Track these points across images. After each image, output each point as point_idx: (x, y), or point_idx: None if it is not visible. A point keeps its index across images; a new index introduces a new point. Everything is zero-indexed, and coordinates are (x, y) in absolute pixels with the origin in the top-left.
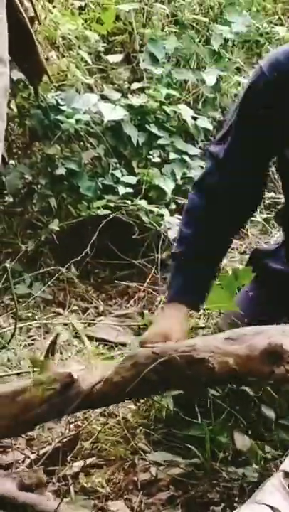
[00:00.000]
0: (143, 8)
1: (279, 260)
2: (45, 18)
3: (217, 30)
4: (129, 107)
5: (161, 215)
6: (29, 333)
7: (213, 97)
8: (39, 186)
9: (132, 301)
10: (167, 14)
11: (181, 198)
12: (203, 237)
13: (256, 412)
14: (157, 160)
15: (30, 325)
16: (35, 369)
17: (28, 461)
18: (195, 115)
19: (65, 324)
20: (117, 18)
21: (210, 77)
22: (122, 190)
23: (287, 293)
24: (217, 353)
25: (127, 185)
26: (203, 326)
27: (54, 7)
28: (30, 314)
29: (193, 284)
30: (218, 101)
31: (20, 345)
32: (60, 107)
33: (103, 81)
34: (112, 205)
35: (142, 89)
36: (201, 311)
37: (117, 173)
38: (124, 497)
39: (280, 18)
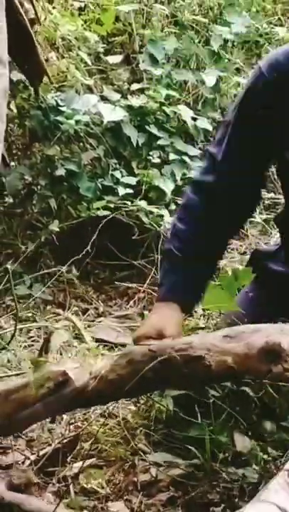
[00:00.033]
0: (143, 9)
1: (279, 262)
2: (45, 19)
3: (217, 31)
4: (129, 108)
5: (161, 216)
6: (29, 334)
7: (212, 97)
8: (39, 187)
9: (131, 302)
10: (167, 15)
11: (181, 199)
12: (203, 236)
13: (256, 413)
14: (157, 161)
15: (31, 326)
16: (31, 369)
17: (27, 462)
18: (195, 116)
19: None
20: (117, 19)
21: (210, 77)
22: (121, 191)
23: (287, 294)
24: (214, 351)
25: (126, 185)
26: (203, 326)
27: (54, 8)
28: (30, 315)
29: (189, 283)
30: (218, 102)
31: (21, 346)
32: (60, 108)
33: (103, 82)
34: (111, 205)
35: (141, 90)
36: (201, 312)
37: (117, 174)
38: (124, 498)
39: (279, 18)
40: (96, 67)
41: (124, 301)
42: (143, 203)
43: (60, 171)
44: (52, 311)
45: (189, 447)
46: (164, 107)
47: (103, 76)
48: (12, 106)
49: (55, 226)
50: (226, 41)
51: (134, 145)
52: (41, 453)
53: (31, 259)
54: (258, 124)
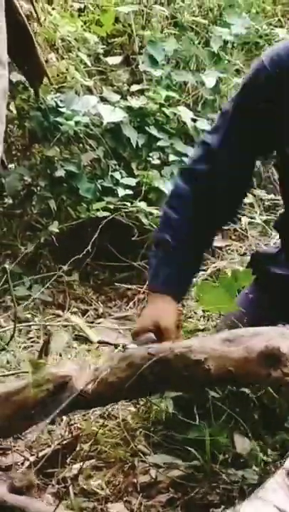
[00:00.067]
0: (142, 10)
1: (280, 264)
2: (45, 20)
3: (216, 32)
4: (129, 109)
5: None
6: (29, 335)
7: (212, 99)
8: (38, 188)
9: (131, 303)
10: (166, 16)
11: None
12: (195, 226)
13: (256, 414)
14: (157, 162)
15: (29, 326)
16: (30, 370)
17: (27, 463)
18: (194, 117)
19: (65, 326)
20: (117, 20)
21: (209, 79)
22: (121, 192)
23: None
24: (213, 354)
25: (126, 187)
26: (203, 328)
27: (53, 9)
28: (29, 316)
29: (182, 275)
30: (218, 103)
31: (20, 347)
32: (60, 109)
33: (102, 83)
34: (111, 207)
35: (141, 91)
36: (201, 313)
37: (117, 175)
38: (124, 499)
39: (279, 19)
40: (96, 69)
41: (124, 303)
42: (143, 204)
43: (60, 172)
44: (51, 312)
45: (189, 449)
46: (163, 108)
47: (103, 77)
48: (12, 107)
49: (54, 227)
50: (225, 42)
51: (134, 146)
52: (40, 454)
53: (31, 260)
54: (259, 117)
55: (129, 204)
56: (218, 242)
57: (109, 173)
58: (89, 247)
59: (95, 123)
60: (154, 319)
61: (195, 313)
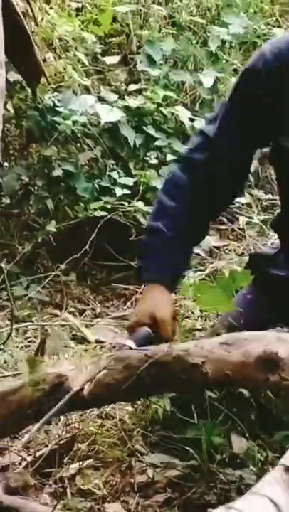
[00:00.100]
0: (140, 10)
1: (279, 266)
2: (42, 19)
3: (214, 32)
4: (127, 109)
5: None
6: (26, 335)
7: (210, 98)
8: (36, 188)
9: (129, 303)
10: (164, 16)
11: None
12: (192, 215)
13: (253, 414)
14: (154, 161)
15: (27, 326)
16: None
17: (24, 463)
18: (192, 117)
19: (62, 326)
20: (114, 19)
21: (207, 78)
22: (119, 191)
23: (288, 298)
24: (211, 358)
25: (124, 186)
26: (200, 328)
27: (51, 8)
28: (27, 316)
29: (177, 265)
30: (216, 102)
31: (17, 346)
32: (57, 109)
33: (100, 82)
34: (109, 206)
35: (139, 91)
36: (198, 313)
37: (114, 175)
38: (121, 499)
39: (277, 19)
40: (93, 68)
41: (121, 302)
42: (140, 204)
43: (57, 172)
44: (49, 312)
45: (186, 448)
46: (161, 108)
47: (100, 77)
48: (9, 106)
49: (52, 227)
50: (223, 42)
51: (132, 146)
52: (38, 454)
53: (28, 259)
54: (259, 106)
55: (126, 204)
56: (215, 242)
57: (107, 173)
58: (87, 247)
59: (93, 122)
60: (150, 311)
61: (192, 313)
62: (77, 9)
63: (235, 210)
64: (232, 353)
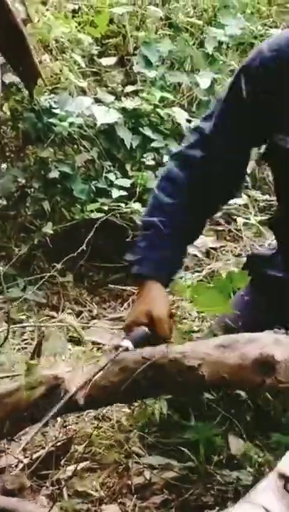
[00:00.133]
0: (137, 11)
1: (276, 267)
2: (39, 21)
3: (211, 33)
4: (123, 110)
5: None
6: (23, 337)
7: (207, 99)
8: (32, 190)
9: (126, 304)
10: (161, 17)
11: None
12: (188, 211)
13: (251, 415)
14: (151, 163)
15: (24, 328)
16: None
17: (21, 465)
18: (189, 118)
19: (59, 327)
20: (111, 21)
21: (204, 79)
22: (115, 193)
23: (286, 299)
24: (208, 360)
25: (120, 188)
26: (198, 329)
27: (47, 10)
28: (24, 317)
29: (172, 262)
30: (213, 102)
31: (14, 348)
32: (54, 110)
33: (97, 84)
34: (105, 208)
35: (135, 92)
36: (195, 314)
37: (111, 176)
38: (118, 501)
39: (274, 20)
40: (90, 70)
41: (118, 304)
42: (137, 205)
43: (54, 174)
44: (46, 314)
45: (183, 450)
46: (158, 109)
47: (97, 78)
48: (5, 108)
49: (48, 228)
50: (220, 43)
51: (128, 147)
52: (34, 456)
53: (25, 261)
54: (256, 105)
55: (123, 205)
56: (213, 243)
57: (104, 175)
58: (83, 246)
59: (89, 124)
60: (146, 310)
61: (189, 314)
62: (74, 11)
63: (232, 211)
64: (229, 356)
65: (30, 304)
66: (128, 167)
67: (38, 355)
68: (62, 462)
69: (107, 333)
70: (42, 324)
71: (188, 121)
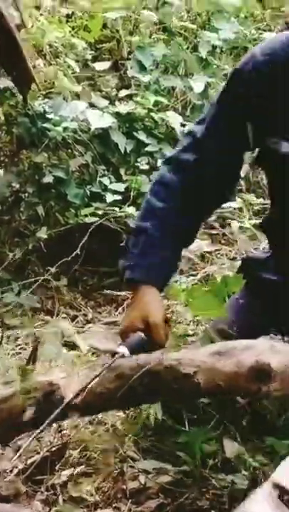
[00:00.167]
0: (130, 16)
1: (271, 269)
2: (32, 26)
3: (205, 37)
4: (117, 115)
5: None
6: (17, 342)
7: (201, 103)
8: (26, 194)
9: (120, 309)
10: (155, 22)
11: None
12: (181, 215)
13: (246, 419)
14: (145, 167)
15: (18, 333)
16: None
17: (16, 470)
18: (183, 122)
19: (54, 332)
20: (105, 25)
21: (198, 83)
22: (110, 197)
23: (280, 302)
24: (203, 368)
25: (115, 192)
26: (192, 333)
27: (41, 15)
28: (18, 323)
29: (165, 266)
30: (207, 106)
31: (8, 354)
32: (48, 115)
33: (91, 88)
34: (100, 212)
35: (129, 97)
36: (190, 318)
37: (105, 181)
38: (113, 505)
39: (268, 24)
40: (84, 74)
41: (113, 308)
42: (131, 210)
43: (48, 178)
44: (40, 319)
45: (178, 454)
46: (152, 114)
47: (91, 83)
48: None
49: (42, 233)
50: (214, 47)
51: (122, 152)
52: (29, 461)
53: (19, 266)
54: (248, 109)
55: (117, 209)
56: (207, 246)
57: (98, 179)
58: (78, 251)
59: (83, 129)
60: (141, 315)
61: (184, 318)
62: (68, 16)
63: (226, 214)
64: (224, 363)
65: (24, 309)
66: (122, 171)
67: (34, 361)
68: (57, 467)
69: (102, 338)
70: (37, 330)
71: (183, 125)
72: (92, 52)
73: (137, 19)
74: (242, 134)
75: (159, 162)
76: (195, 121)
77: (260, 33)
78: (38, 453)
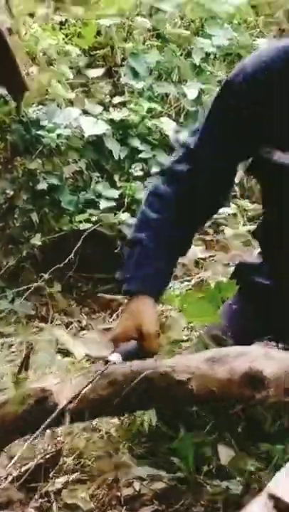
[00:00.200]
0: (124, 23)
1: (264, 275)
2: (26, 33)
3: (198, 44)
4: (111, 121)
5: None
6: (11, 349)
7: (194, 110)
8: (20, 201)
9: (115, 315)
10: (148, 28)
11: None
12: (175, 228)
13: (241, 425)
14: (139, 173)
15: (12, 340)
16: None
17: (10, 478)
18: (177, 128)
19: (48, 339)
20: (98, 32)
21: (191, 90)
22: (103, 204)
23: (273, 307)
24: (197, 374)
25: (109, 199)
26: (186, 339)
27: (35, 22)
28: (12, 330)
29: (160, 276)
30: (200, 113)
31: (2, 361)
32: (42, 122)
33: (84, 95)
34: (94, 219)
35: (123, 103)
36: (185, 324)
37: (99, 187)
38: None
39: (261, 31)
40: (78, 81)
41: (108, 314)
42: (125, 216)
43: (42, 185)
44: (35, 325)
45: (173, 460)
46: (146, 120)
47: (85, 89)
48: None
49: (37, 240)
50: (207, 54)
51: (116, 158)
52: (23, 468)
53: (13, 273)
54: (239, 120)
55: (112, 216)
56: (201, 252)
57: (92, 185)
58: (71, 256)
59: (77, 135)
60: (136, 324)
61: (178, 324)
62: (61, 23)
63: (220, 220)
64: (218, 370)
65: (18, 316)
66: (116, 178)
67: (26, 369)
68: (51, 474)
69: (96, 344)
70: (31, 337)
71: (176, 131)
72: (86, 59)
73: (131, 26)
74: (234, 144)
75: (153, 168)
76: (189, 133)
77: (254, 40)
78: (32, 460)
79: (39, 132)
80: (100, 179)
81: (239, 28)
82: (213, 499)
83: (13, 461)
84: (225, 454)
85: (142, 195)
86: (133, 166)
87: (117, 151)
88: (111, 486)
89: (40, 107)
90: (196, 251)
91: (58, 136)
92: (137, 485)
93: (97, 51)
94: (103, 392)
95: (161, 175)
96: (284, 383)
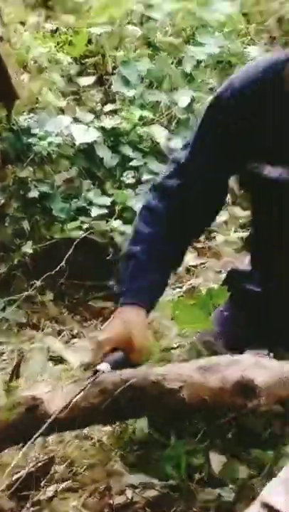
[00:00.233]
0: (115, 31)
1: (255, 282)
2: (17, 41)
3: (189, 52)
4: (102, 129)
5: None
6: (2, 357)
7: (186, 117)
8: (11, 209)
9: (106, 323)
10: (139, 36)
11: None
12: (167, 242)
13: (232, 432)
14: (131, 181)
15: (3, 348)
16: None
17: (1, 486)
18: (169, 136)
19: (39, 347)
20: (89, 41)
21: (183, 98)
22: (95, 211)
23: (263, 314)
24: (188, 383)
25: (100, 206)
26: (178, 345)
27: (26, 30)
28: (4, 338)
29: (153, 289)
30: (192, 122)
31: None
32: (33, 130)
33: (75, 103)
34: (85, 226)
35: (114, 111)
36: (176, 331)
37: (90, 195)
38: None
39: (252, 38)
40: (69, 89)
41: (99, 322)
42: (117, 223)
43: (33, 193)
44: (26, 334)
45: (165, 468)
46: (137, 128)
47: (76, 97)
48: None
49: (28, 248)
50: (199, 62)
51: (108, 166)
52: (15, 477)
53: (4, 281)
54: (227, 136)
55: (103, 223)
56: (193, 259)
57: (83, 193)
58: (63, 263)
59: (68, 143)
60: (126, 334)
61: (169, 330)
62: (52, 31)
63: (212, 227)
64: (209, 379)
65: (10, 324)
66: (108, 185)
67: (17, 377)
68: (42, 483)
69: (88, 352)
70: (22, 345)
71: (168, 139)
72: (77, 67)
73: (122, 34)
74: (224, 159)
75: (144, 176)
76: (180, 148)
77: (245, 47)
78: (24, 468)
79: (30, 140)
80: (92, 187)
81: (230, 36)
82: (206, 506)
83: (8, 470)
84: (217, 461)
85: (133, 202)
86: (124, 174)
87: (109, 158)
88: (103, 494)
89: (32, 115)
90: (188, 258)
91: (49, 144)
92: (129, 493)
93: (88, 59)
94: (94, 401)
95: (153, 190)
96: (275, 392)
